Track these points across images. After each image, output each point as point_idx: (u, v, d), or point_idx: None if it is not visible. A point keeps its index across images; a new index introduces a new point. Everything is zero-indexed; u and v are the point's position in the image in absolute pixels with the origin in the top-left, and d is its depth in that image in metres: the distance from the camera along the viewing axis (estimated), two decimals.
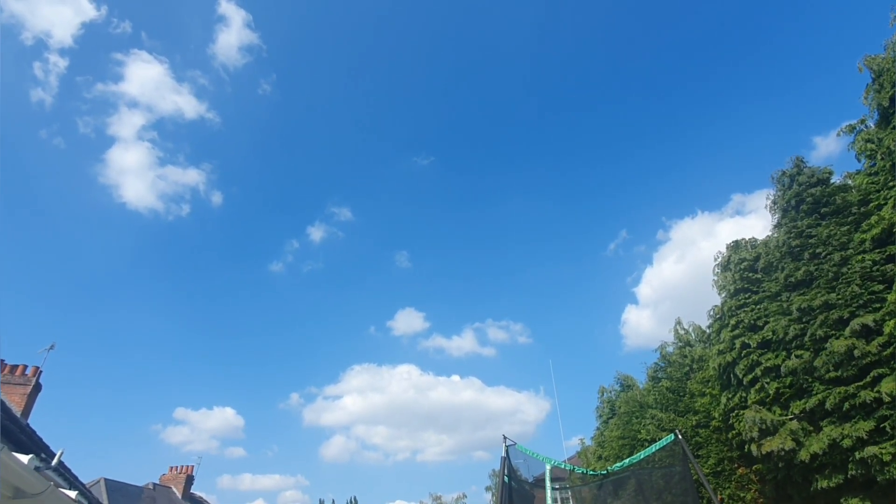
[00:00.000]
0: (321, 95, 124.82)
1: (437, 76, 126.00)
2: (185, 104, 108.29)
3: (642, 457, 10.39)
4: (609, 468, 10.50)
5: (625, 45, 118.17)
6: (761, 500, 22.30)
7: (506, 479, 10.02)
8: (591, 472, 10.85)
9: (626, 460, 10.41)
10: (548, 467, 10.13)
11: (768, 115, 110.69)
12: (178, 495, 40.89)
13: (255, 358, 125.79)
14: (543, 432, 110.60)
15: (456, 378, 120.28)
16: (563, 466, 11.10)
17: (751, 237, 23.90)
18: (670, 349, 30.39)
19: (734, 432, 20.39)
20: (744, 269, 22.05)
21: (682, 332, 30.79)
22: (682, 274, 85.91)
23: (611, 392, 35.84)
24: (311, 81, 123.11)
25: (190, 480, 42.49)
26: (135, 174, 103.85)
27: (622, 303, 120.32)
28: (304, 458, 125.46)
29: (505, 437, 10.30)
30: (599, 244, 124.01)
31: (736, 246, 24.19)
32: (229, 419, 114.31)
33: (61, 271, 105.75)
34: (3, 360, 21.47)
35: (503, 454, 10.29)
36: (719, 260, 24.45)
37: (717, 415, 23.16)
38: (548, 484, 9.86)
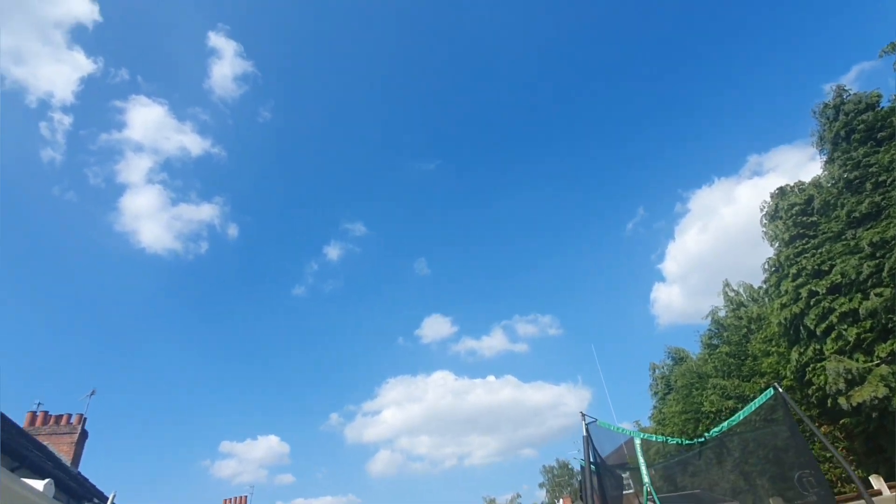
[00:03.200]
0: (319, 114, 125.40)
1: (433, 76, 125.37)
2: (190, 142, 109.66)
3: (741, 418, 9.18)
4: (706, 435, 9.30)
5: (624, 18, 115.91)
6: (851, 458, 20.62)
7: (592, 462, 8.93)
8: (687, 442, 9.69)
9: (725, 423, 9.22)
10: (637, 441, 9.01)
11: (776, 69, 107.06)
12: None
13: (291, 384, 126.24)
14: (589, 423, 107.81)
15: (491, 378, 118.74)
16: (653, 439, 9.96)
17: (797, 181, 22.41)
18: (722, 313, 28.85)
19: (814, 388, 18.85)
20: (796, 214, 20.56)
21: (731, 293, 29.23)
22: (707, 244, 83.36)
23: (663, 367, 34.38)
24: (307, 102, 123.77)
25: None
26: (150, 217, 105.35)
27: (649, 282, 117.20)
28: (353, 477, 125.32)
29: (583, 415, 9.22)
30: (617, 225, 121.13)
31: (782, 192, 22.69)
32: (274, 447, 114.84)
33: (92, 322, 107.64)
34: (47, 412, 21.19)
35: (584, 433, 9.20)
36: (766, 210, 23.00)
37: (788, 373, 21.56)
38: (641, 460, 8.73)
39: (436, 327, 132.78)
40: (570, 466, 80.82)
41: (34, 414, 20.82)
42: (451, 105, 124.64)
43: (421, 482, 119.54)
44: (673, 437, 27.54)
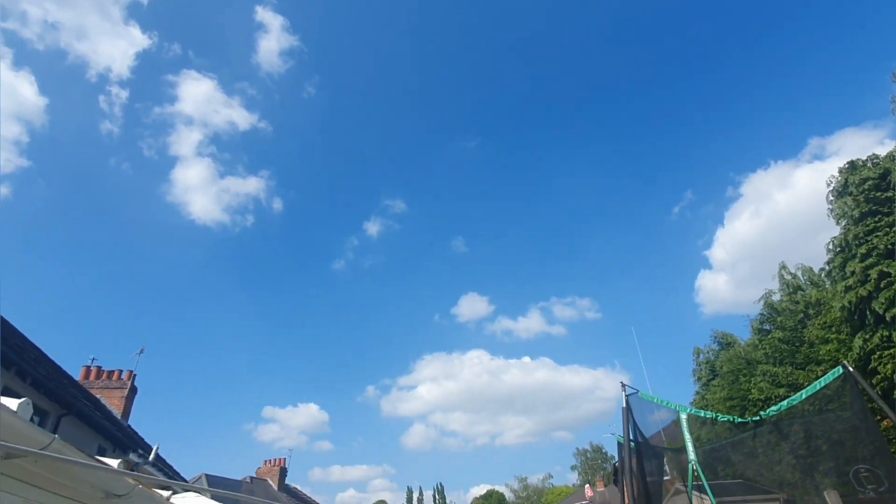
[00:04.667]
0: (362, 90, 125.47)
1: (477, 52, 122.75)
2: (238, 116, 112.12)
3: (803, 398, 8.38)
4: (762, 414, 8.58)
5: None
6: None
7: (631, 440, 8.36)
8: (739, 420, 8.98)
9: (784, 402, 8.46)
10: (683, 416, 8.38)
11: (844, 46, 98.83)
12: (274, 487, 42.14)
13: (329, 355, 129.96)
14: None
15: (527, 360, 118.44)
16: (702, 415, 9.29)
17: (871, 154, 20.50)
18: (777, 297, 27.14)
19: (878, 377, 17.44)
20: (868, 190, 18.82)
21: (788, 276, 27.42)
22: (758, 230, 78.67)
23: (708, 352, 32.95)
24: (351, 78, 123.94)
25: (283, 473, 43.71)
26: (199, 189, 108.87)
27: (694, 269, 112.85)
28: (388, 448, 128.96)
29: (624, 385, 8.63)
30: (662, 209, 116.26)
31: (852, 167, 20.83)
32: (314, 415, 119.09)
33: (145, 287, 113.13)
34: (100, 367, 22.18)
35: (623, 405, 8.62)
36: (833, 185, 21.21)
37: (849, 361, 20.02)
38: (686, 436, 8.12)
39: (472, 306, 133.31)
40: (604, 451, 79.98)
41: (88, 368, 21.83)
42: (493, 81, 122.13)
43: (454, 458, 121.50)
44: (715, 425, 26.50)
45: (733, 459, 12.00)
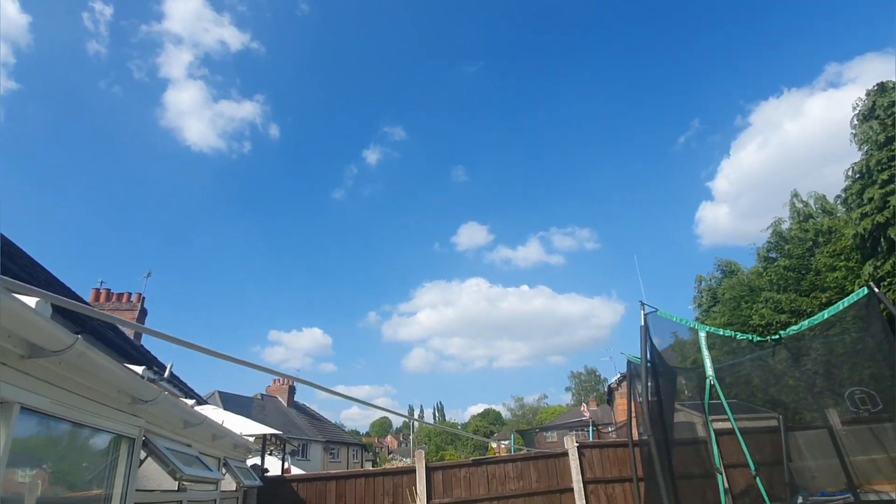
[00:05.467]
0: (358, 8, 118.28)
1: None
2: (229, 36, 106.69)
3: (825, 317, 8.30)
4: (782, 333, 8.54)
5: None
6: None
7: (648, 361, 8.33)
8: (758, 339, 8.96)
9: (805, 322, 8.38)
10: (702, 334, 8.35)
11: None
12: (284, 403, 44.20)
13: (331, 282, 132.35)
14: (620, 335, 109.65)
15: (525, 288, 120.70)
16: (720, 333, 9.29)
17: None
18: (786, 225, 26.86)
19: (882, 306, 17.55)
20: None
21: (799, 205, 26.97)
22: (765, 161, 77.00)
23: (710, 280, 33.19)
24: None
25: (292, 391, 45.73)
26: (193, 114, 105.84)
27: (696, 200, 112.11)
28: (390, 370, 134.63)
29: (643, 304, 8.50)
30: (668, 138, 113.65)
31: (881, 89, 19.74)
32: (318, 338, 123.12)
33: (148, 212, 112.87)
34: (109, 290, 22.26)
35: (642, 323, 8.54)
36: (858, 109, 20.21)
37: (855, 288, 20.13)
38: (705, 353, 8.12)
39: (472, 235, 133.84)
40: (597, 374, 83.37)
41: (98, 291, 21.91)
42: (496, 1, 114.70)
43: (452, 379, 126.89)
44: (713, 348, 27.18)
45: (728, 381, 12.25)
